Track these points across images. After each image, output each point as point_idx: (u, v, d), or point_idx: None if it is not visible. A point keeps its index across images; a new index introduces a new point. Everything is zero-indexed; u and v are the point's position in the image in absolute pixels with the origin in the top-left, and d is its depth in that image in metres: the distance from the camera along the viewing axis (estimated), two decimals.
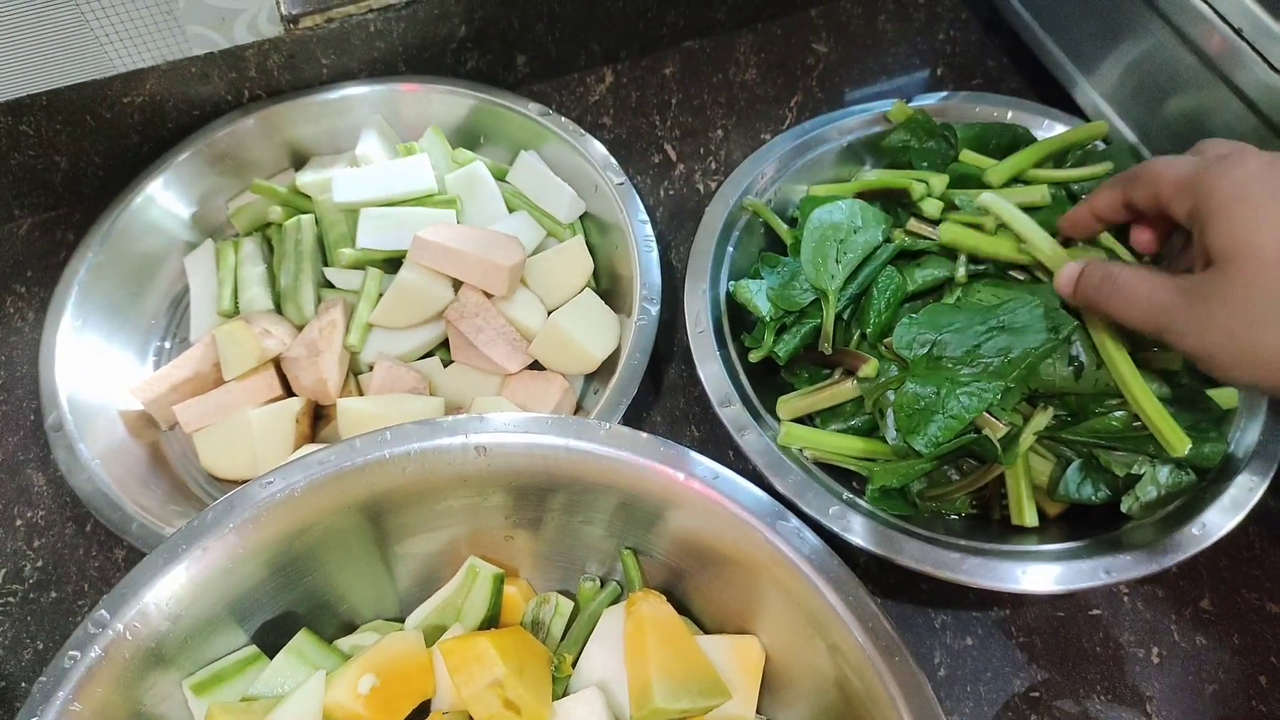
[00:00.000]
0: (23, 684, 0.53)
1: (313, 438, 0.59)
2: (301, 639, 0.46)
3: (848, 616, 0.43)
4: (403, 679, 0.44)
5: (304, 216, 0.64)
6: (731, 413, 0.56)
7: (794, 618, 0.46)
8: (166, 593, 0.42)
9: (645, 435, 0.47)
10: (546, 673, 0.45)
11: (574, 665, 0.47)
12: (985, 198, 0.57)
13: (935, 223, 0.59)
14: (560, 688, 0.46)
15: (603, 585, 0.52)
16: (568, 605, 0.51)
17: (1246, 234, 0.40)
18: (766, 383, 0.60)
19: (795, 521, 0.45)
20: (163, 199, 0.65)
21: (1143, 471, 0.54)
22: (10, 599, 0.56)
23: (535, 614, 0.50)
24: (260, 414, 0.57)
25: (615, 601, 0.50)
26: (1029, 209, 0.58)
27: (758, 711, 0.47)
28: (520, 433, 0.47)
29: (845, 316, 0.58)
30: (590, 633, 0.48)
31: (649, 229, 0.63)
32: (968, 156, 0.63)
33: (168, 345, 0.64)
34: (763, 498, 0.46)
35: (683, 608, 0.51)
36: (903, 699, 0.40)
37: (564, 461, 0.47)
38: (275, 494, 0.44)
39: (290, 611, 0.48)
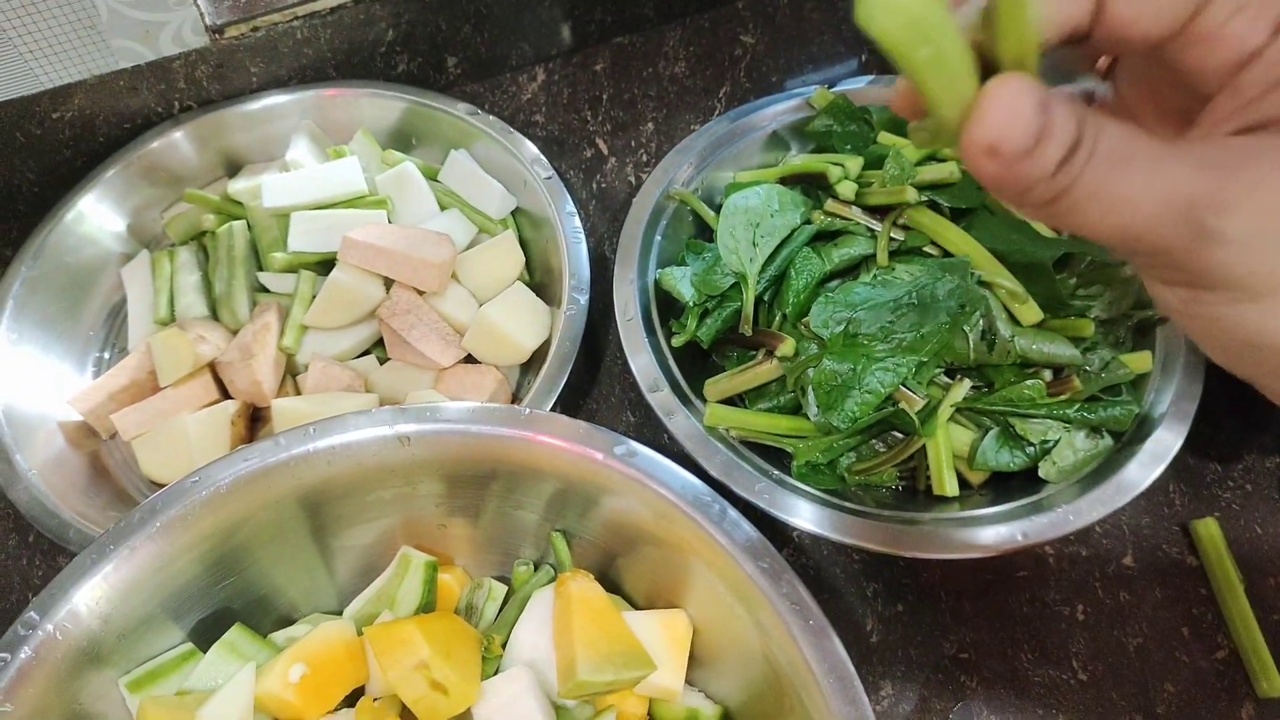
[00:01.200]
0: None
1: (250, 439, 0.60)
2: (235, 633, 0.47)
3: (774, 598, 0.44)
4: (334, 666, 0.45)
5: (236, 223, 0.65)
6: (660, 398, 0.57)
7: (721, 595, 0.47)
8: (96, 593, 0.43)
9: (565, 419, 0.48)
10: (475, 654, 0.46)
11: (504, 646, 0.48)
12: None
13: (851, 203, 0.60)
14: (491, 668, 0.48)
15: (536, 569, 0.53)
16: (501, 589, 0.52)
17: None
18: (700, 367, 0.62)
19: (722, 503, 0.46)
20: (96, 212, 0.66)
21: (1058, 438, 0.56)
22: None
23: (469, 599, 0.51)
24: (196, 418, 0.58)
25: (549, 584, 0.52)
26: (941, 185, 0.60)
27: (687, 682, 0.49)
28: (442, 422, 0.48)
29: (766, 298, 0.60)
30: (521, 614, 0.49)
31: (577, 222, 0.64)
32: (885, 138, 0.65)
33: (106, 356, 0.65)
34: (689, 480, 0.47)
35: (615, 587, 0.52)
36: (826, 677, 0.42)
37: (487, 448, 0.48)
38: (201, 492, 0.45)
39: (226, 608, 0.49)
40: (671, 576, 0.50)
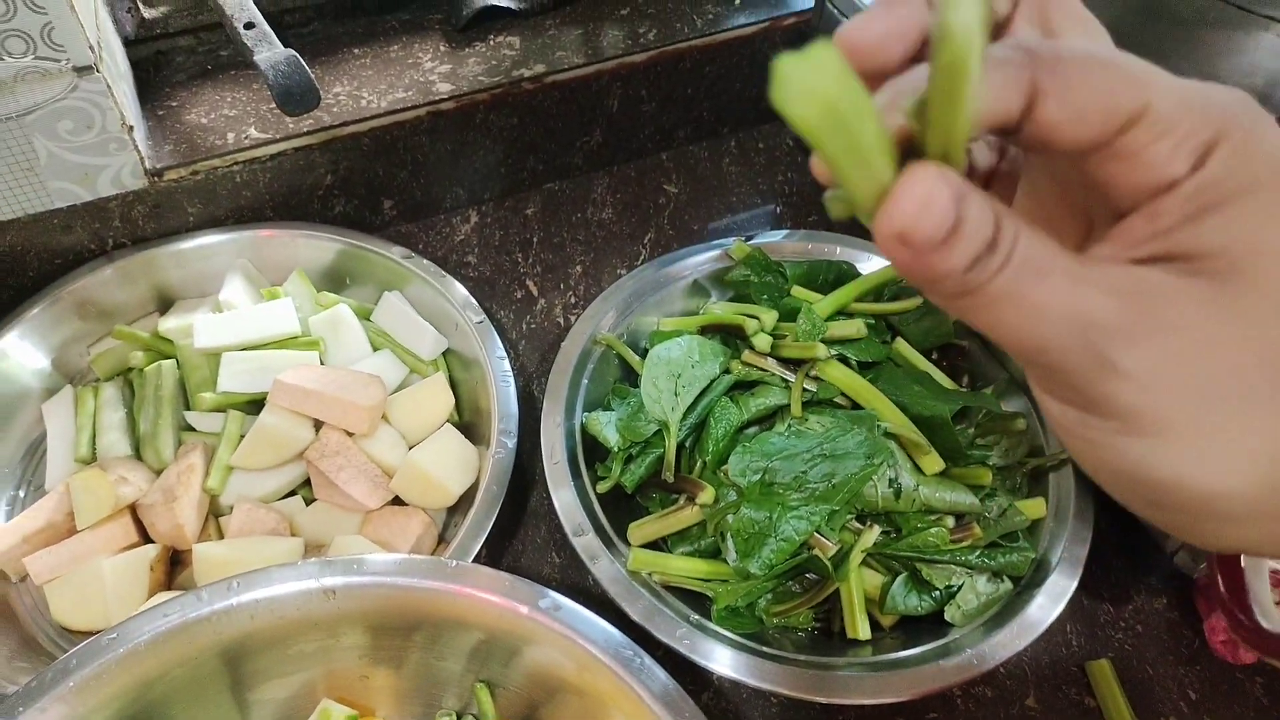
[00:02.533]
0: None
1: (169, 585, 0.59)
2: None
3: None
4: None
5: (165, 362, 0.65)
6: (584, 542, 0.59)
7: None
8: None
9: (491, 571, 0.49)
10: None
11: None
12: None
13: (766, 355, 0.64)
14: None
15: (460, 719, 0.53)
16: None
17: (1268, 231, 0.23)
18: (625, 508, 0.63)
19: (640, 655, 0.48)
20: (18, 350, 0.66)
21: (961, 582, 0.59)
22: None
23: None
24: (113, 563, 0.57)
25: None
26: (847, 341, 0.64)
27: None
28: (368, 575, 0.48)
29: (688, 445, 0.63)
30: None
31: (507, 364, 0.67)
32: (798, 291, 0.69)
33: (22, 494, 0.64)
34: (610, 632, 0.48)
35: None
36: None
37: (413, 600, 0.49)
38: (119, 649, 0.45)
39: None
40: None
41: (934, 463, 0.60)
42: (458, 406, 0.68)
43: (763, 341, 0.64)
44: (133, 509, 0.60)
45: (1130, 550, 0.66)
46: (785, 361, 0.64)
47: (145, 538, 0.60)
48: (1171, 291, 0.23)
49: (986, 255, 0.22)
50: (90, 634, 0.55)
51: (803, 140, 0.21)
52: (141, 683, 0.46)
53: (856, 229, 0.84)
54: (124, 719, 0.46)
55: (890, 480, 0.59)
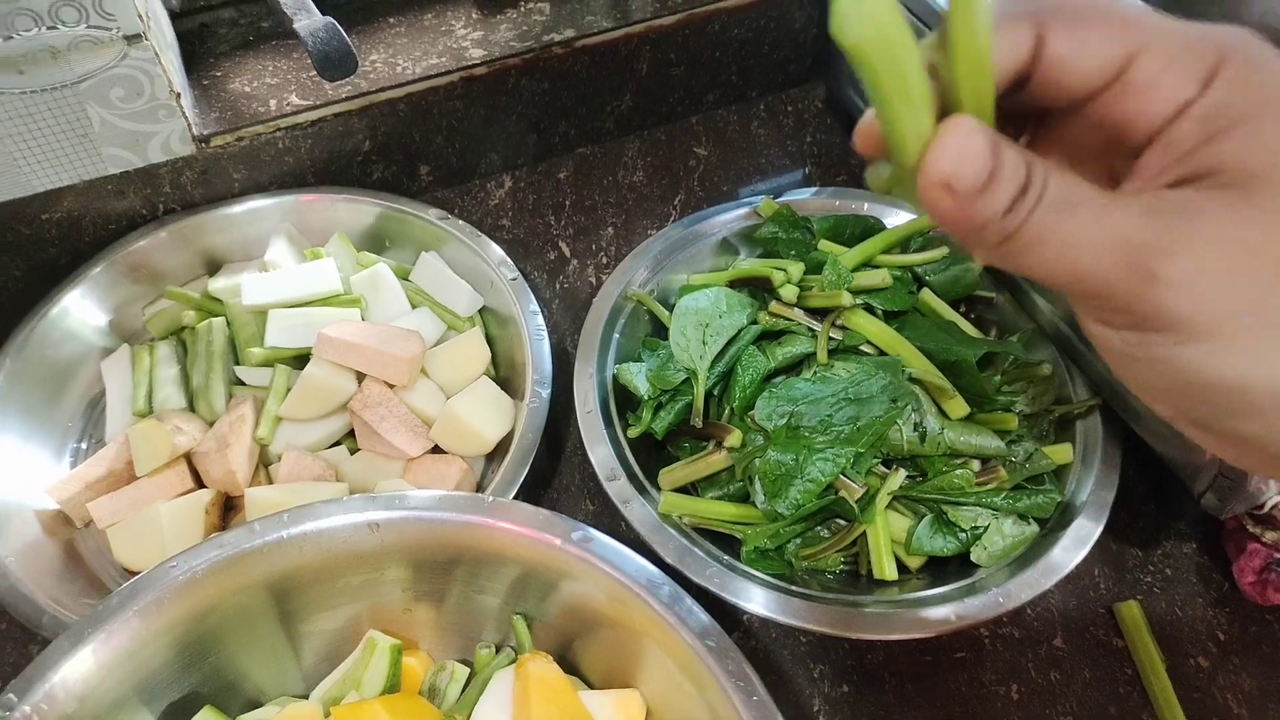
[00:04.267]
0: None
1: (223, 528, 0.62)
2: (204, 716, 0.49)
3: (721, 676, 0.47)
4: None
5: (215, 319, 0.68)
6: (617, 486, 0.61)
7: (672, 674, 0.50)
8: (73, 675, 0.45)
9: (526, 506, 0.51)
10: None
11: None
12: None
13: (793, 305, 0.65)
14: None
15: (498, 651, 0.55)
16: (463, 671, 0.54)
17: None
18: (656, 456, 0.65)
19: (672, 586, 0.49)
20: (79, 308, 0.69)
21: (987, 524, 0.60)
22: None
23: (432, 681, 0.53)
24: (170, 507, 0.60)
25: (509, 665, 0.54)
26: (875, 290, 0.65)
27: None
28: (410, 509, 0.51)
29: (716, 393, 0.64)
30: (482, 695, 0.52)
31: (540, 320, 0.68)
32: (825, 245, 0.70)
33: (84, 446, 0.67)
34: (642, 564, 0.50)
35: (572, 668, 0.54)
36: None
37: (452, 534, 0.51)
38: (178, 576, 0.48)
39: (195, 692, 0.51)
40: (626, 657, 0.52)
41: (959, 407, 0.61)
42: (494, 362, 0.70)
43: (789, 292, 0.66)
44: (188, 458, 0.63)
45: (1158, 495, 0.66)
46: (812, 312, 0.66)
47: (200, 484, 0.63)
48: (1199, 204, 0.24)
49: (1021, 197, 0.24)
50: None
51: (856, 75, 0.24)
52: (199, 611, 0.49)
53: None
54: (185, 645, 0.49)
55: (915, 424, 0.60)
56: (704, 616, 0.48)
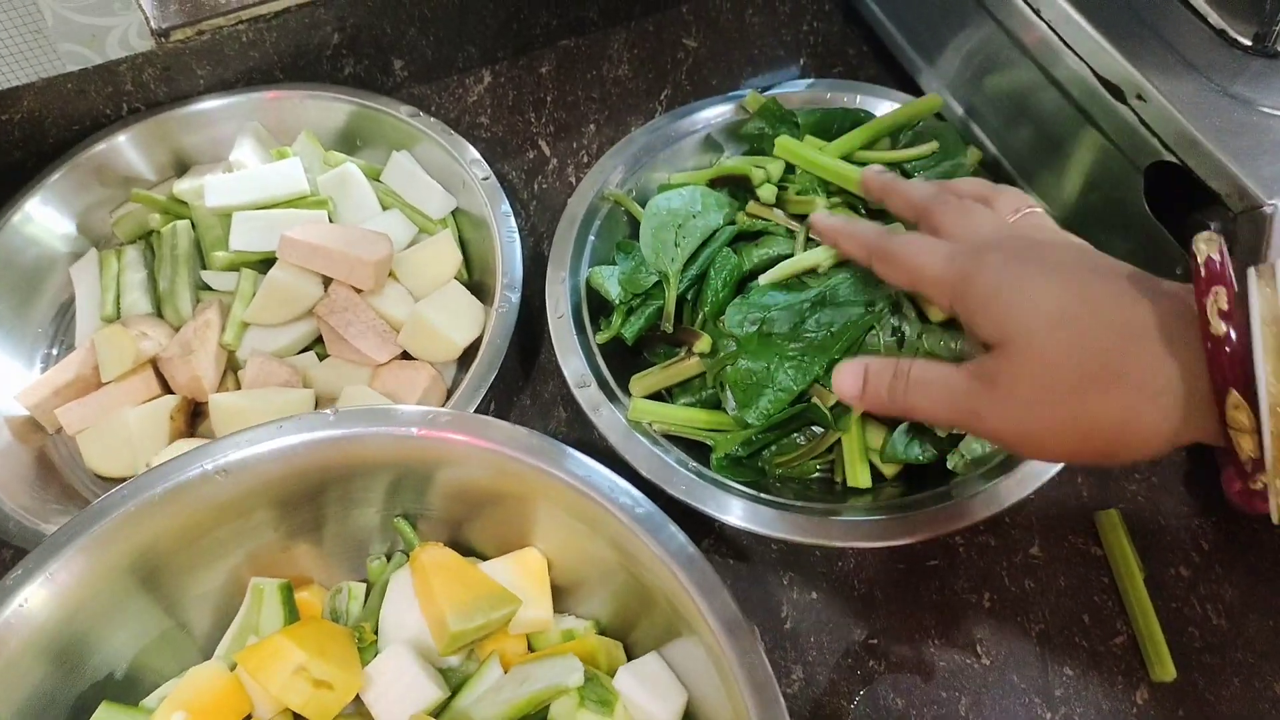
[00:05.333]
0: None
1: (190, 433, 0.62)
2: (103, 712, 0.45)
3: (613, 508, 0.47)
4: (214, 706, 0.45)
5: (180, 223, 0.66)
6: (587, 394, 0.59)
7: (567, 523, 0.49)
8: None
9: (369, 409, 0.49)
10: (350, 647, 0.47)
11: (375, 631, 0.50)
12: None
13: (773, 206, 0.63)
14: (370, 655, 0.48)
15: (389, 559, 0.54)
16: (360, 588, 0.52)
17: (1005, 327, 0.40)
18: (630, 365, 0.64)
19: (541, 438, 0.48)
20: (43, 214, 0.67)
21: (964, 431, 0.58)
22: None
23: (331, 606, 0.52)
24: (137, 413, 0.59)
25: (404, 566, 0.52)
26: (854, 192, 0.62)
27: (557, 610, 0.51)
28: (252, 445, 0.47)
29: (690, 297, 0.62)
30: (384, 599, 0.51)
31: (513, 222, 0.66)
32: (810, 141, 0.67)
33: (54, 352, 0.67)
34: (508, 429, 0.49)
35: (466, 550, 0.53)
36: (673, 560, 0.45)
37: (307, 460, 0.48)
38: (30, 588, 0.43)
39: (85, 707, 0.46)
40: (517, 523, 0.52)
41: (939, 310, 0.59)
42: (467, 266, 0.69)
43: (768, 192, 0.63)
44: (154, 363, 0.62)
45: None
46: (794, 216, 0.63)
47: (167, 390, 0.62)
48: (991, 365, 0.41)
49: (893, 382, 0.44)
50: (120, 479, 0.59)
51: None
52: (64, 616, 0.45)
53: (886, 78, 0.80)
54: (55, 655, 0.45)
55: (894, 328, 0.58)
56: (595, 465, 0.48)
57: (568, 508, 0.48)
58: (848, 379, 0.46)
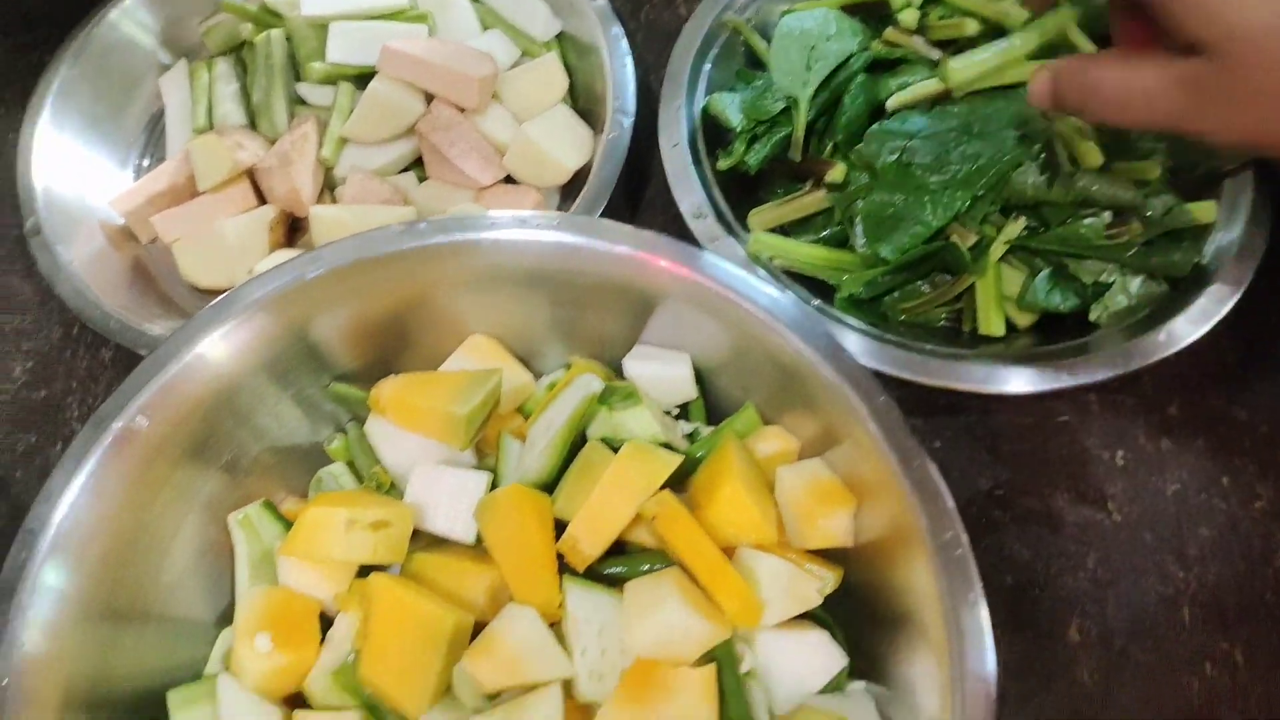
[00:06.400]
0: (17, 473, 0.55)
1: (289, 246, 0.59)
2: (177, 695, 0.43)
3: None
4: (284, 619, 0.43)
5: (274, 31, 0.63)
6: (703, 225, 0.56)
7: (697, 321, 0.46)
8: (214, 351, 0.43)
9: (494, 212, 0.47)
10: (376, 493, 0.46)
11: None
12: None
13: (913, 32, 0.58)
14: (397, 494, 0.47)
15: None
16: (338, 466, 0.49)
17: (1213, 27, 0.35)
18: (744, 202, 0.60)
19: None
20: (130, 24, 0.65)
21: (1112, 280, 0.54)
22: (2, 396, 0.58)
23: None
24: (235, 223, 0.57)
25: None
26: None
27: None
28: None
29: (817, 129, 0.58)
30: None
31: (625, 44, 0.62)
32: None
33: (145, 164, 0.65)
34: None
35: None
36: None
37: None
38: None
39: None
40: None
41: (1094, 154, 0.54)
42: (572, 94, 0.65)
43: (910, 16, 0.58)
44: (250, 175, 0.60)
45: None
46: (935, 42, 0.58)
47: (263, 203, 0.60)
48: (1204, 73, 0.36)
49: (1082, 88, 0.41)
50: (217, 292, 0.57)
51: None
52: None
53: None
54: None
55: (1043, 167, 0.53)
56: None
57: (703, 305, 0.45)
58: (1038, 82, 0.43)
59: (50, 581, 0.38)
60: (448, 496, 0.44)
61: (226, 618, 0.46)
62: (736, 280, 0.44)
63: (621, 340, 0.50)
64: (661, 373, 0.47)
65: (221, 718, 0.40)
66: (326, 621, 0.44)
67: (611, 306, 0.48)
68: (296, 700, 0.43)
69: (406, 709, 0.39)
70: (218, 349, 0.44)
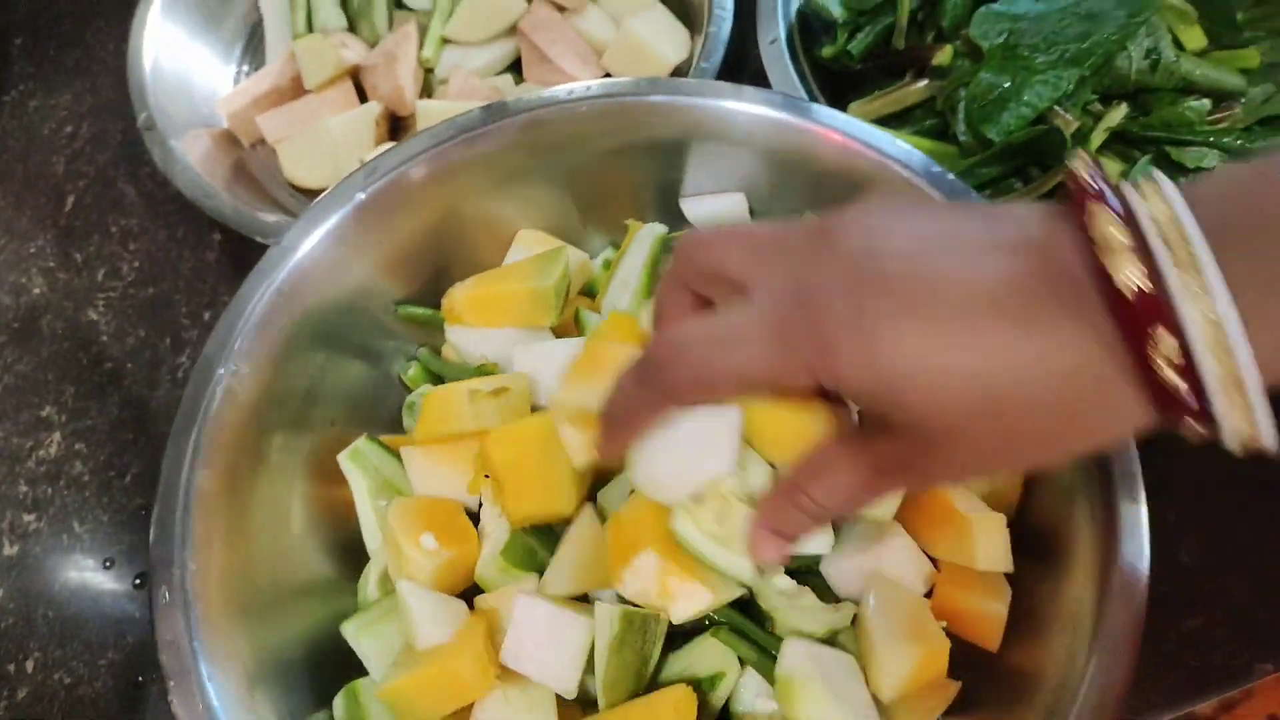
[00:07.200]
0: (128, 364, 0.56)
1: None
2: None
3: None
4: (445, 520, 0.43)
5: None
6: None
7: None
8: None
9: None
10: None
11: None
12: None
13: None
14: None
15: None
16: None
17: (905, 411, 0.27)
18: (840, 99, 0.60)
19: None
20: None
21: (1213, 167, 0.54)
22: (111, 293, 0.59)
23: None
24: (340, 121, 0.58)
25: None
26: None
27: None
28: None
29: (919, 18, 0.58)
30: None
31: None
32: None
33: (245, 70, 0.66)
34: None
35: None
36: None
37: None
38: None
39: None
40: None
41: (1196, 37, 0.55)
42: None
43: None
44: (353, 75, 0.61)
45: None
46: None
47: (364, 103, 0.61)
48: (900, 452, 0.29)
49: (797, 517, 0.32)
50: (319, 191, 0.57)
51: None
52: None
53: None
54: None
55: (1148, 51, 0.54)
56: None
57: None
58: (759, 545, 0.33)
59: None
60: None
61: (347, 573, 0.45)
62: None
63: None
64: (717, 209, 0.48)
65: (414, 622, 0.39)
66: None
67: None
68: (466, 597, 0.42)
69: (563, 511, 0.40)
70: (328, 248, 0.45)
